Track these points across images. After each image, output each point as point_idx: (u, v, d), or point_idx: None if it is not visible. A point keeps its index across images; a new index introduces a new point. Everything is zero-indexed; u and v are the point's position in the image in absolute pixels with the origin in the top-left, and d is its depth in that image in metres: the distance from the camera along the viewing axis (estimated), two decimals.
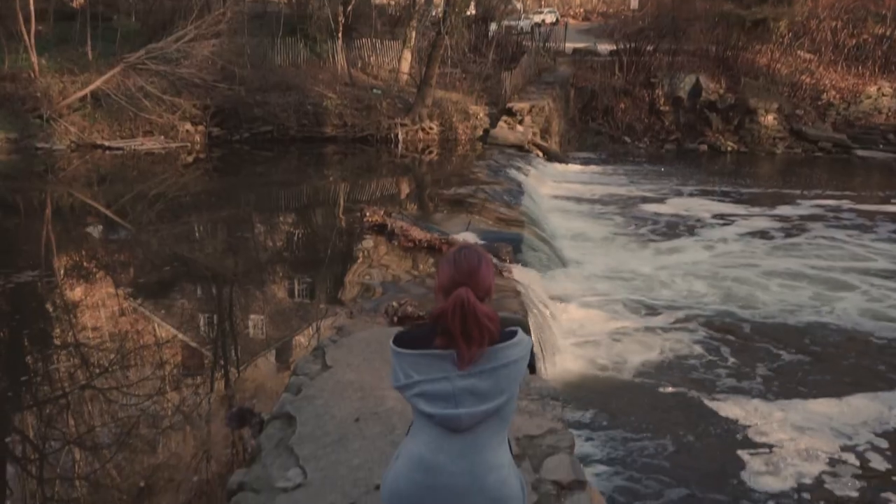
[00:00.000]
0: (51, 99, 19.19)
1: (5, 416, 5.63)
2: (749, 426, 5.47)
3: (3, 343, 7.09)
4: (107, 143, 18.99)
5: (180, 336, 7.23)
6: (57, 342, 7.11)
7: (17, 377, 6.27)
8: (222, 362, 6.84)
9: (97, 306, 8.08)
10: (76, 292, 8.55)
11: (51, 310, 8.08)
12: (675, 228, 12.29)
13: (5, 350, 6.91)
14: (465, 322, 2.19)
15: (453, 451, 2.21)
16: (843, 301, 8.65)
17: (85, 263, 9.84)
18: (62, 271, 9.36)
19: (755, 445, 5.18)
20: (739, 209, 14.11)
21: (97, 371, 6.42)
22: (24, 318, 7.71)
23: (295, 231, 12.07)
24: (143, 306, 8.04)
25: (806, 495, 4.60)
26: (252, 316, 8.03)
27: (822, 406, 5.83)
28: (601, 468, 4.75)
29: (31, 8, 20.26)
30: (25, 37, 19.97)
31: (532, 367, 4.43)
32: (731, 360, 6.80)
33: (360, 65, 24.54)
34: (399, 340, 2.30)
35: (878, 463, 5.01)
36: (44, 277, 9.00)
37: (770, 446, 5.17)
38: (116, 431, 5.33)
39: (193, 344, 7.10)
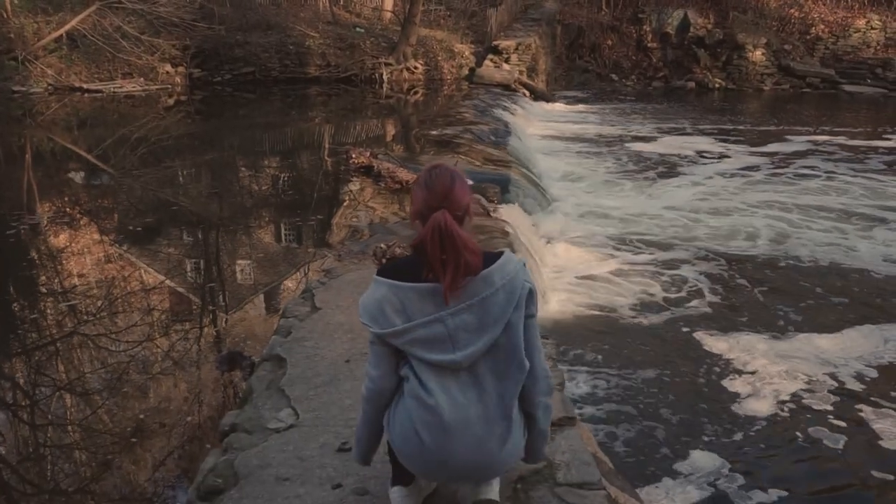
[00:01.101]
0: (25, 40, 18.71)
1: None
2: (739, 360, 5.53)
3: None
4: (85, 86, 18.61)
5: (167, 282, 7.19)
6: (43, 289, 7.06)
7: (4, 324, 6.23)
8: (211, 307, 6.82)
9: (82, 253, 8.01)
10: (60, 239, 8.46)
11: (35, 257, 8.00)
12: (664, 166, 12.26)
13: None
14: (444, 248, 2.10)
15: (459, 396, 2.15)
16: (835, 234, 8.70)
17: (68, 209, 9.72)
18: (45, 218, 9.25)
19: (745, 378, 5.24)
20: (728, 147, 14.09)
21: (85, 318, 6.39)
22: (8, 265, 7.63)
23: (280, 174, 11.94)
24: (128, 252, 7.97)
25: (792, 420, 4.68)
26: (239, 260, 7.99)
27: (814, 339, 5.89)
28: (591, 404, 4.81)
29: None
30: None
31: None
32: (722, 295, 6.86)
33: (342, 2, 24.02)
34: (385, 272, 2.22)
35: (865, 390, 5.09)
36: (26, 224, 8.89)
37: (760, 378, 5.24)
38: (106, 377, 5.33)
39: (181, 289, 7.07)
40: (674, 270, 7.41)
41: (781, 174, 11.88)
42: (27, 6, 19.97)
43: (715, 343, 5.82)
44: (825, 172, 12.01)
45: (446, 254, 2.11)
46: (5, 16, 19.28)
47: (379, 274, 2.22)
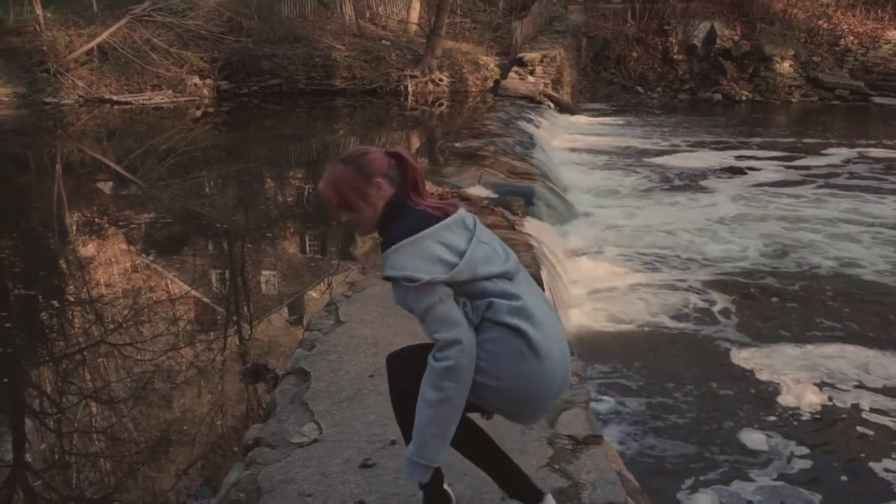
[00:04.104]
0: (57, 53, 19.05)
1: (22, 371, 5.69)
2: (768, 375, 5.44)
3: (17, 299, 7.13)
4: (115, 98, 18.89)
5: (194, 292, 7.25)
6: (71, 298, 7.15)
7: (33, 333, 6.31)
8: (236, 318, 6.86)
9: (110, 262, 8.10)
10: (89, 248, 8.57)
11: (64, 266, 8.11)
12: (691, 180, 12.15)
13: (20, 306, 6.95)
14: (419, 185, 2.28)
15: (530, 296, 2.22)
16: (866, 251, 8.55)
17: (97, 219, 9.85)
18: (74, 227, 9.38)
19: (774, 394, 5.16)
20: (756, 160, 13.93)
21: (112, 327, 6.45)
22: (37, 274, 7.74)
23: (305, 186, 12.01)
24: (155, 262, 8.05)
25: (823, 437, 4.60)
26: (264, 271, 8.04)
27: (846, 353, 5.79)
28: (617, 422, 4.76)
29: None
30: None
31: None
32: (751, 309, 6.76)
33: (368, 15, 24.17)
34: (408, 231, 2.15)
35: None
36: (56, 233, 9.02)
37: (790, 393, 5.15)
38: (132, 387, 5.38)
39: (207, 299, 7.12)
40: (700, 284, 7.33)
41: (812, 188, 11.71)
42: (60, 19, 20.34)
43: (743, 358, 5.74)
44: (858, 186, 11.82)
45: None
46: (38, 29, 19.66)
47: (401, 239, 2.13)
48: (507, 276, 2.20)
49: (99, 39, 19.25)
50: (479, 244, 2.18)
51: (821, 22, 24.26)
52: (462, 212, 2.26)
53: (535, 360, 2.13)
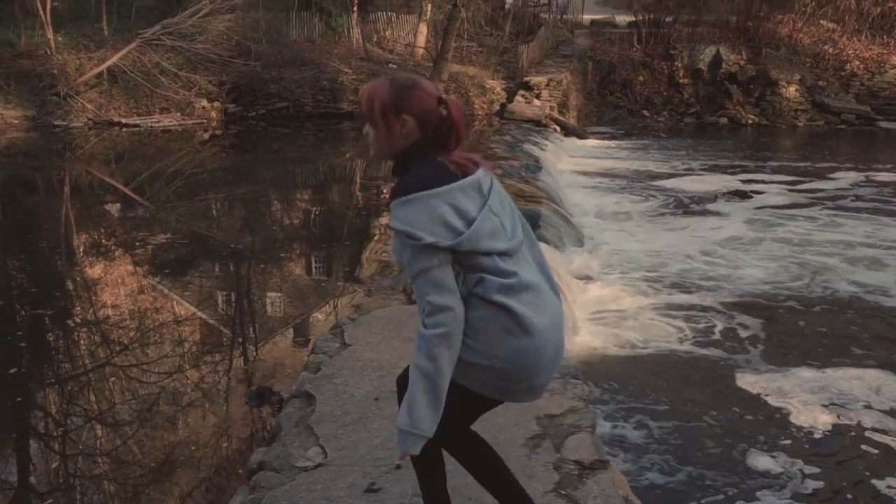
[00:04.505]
0: (67, 76, 19.21)
1: (27, 392, 5.68)
2: (775, 401, 5.40)
3: (24, 320, 7.14)
4: (123, 120, 19.02)
5: (199, 313, 7.25)
6: (77, 319, 7.16)
7: (39, 354, 6.31)
8: (241, 340, 6.85)
9: (116, 283, 8.12)
10: (96, 270, 8.59)
11: (71, 287, 8.12)
12: (697, 204, 12.15)
13: (27, 327, 6.96)
14: (459, 133, 2.19)
15: (529, 275, 2.19)
16: (875, 276, 8.50)
17: (104, 241, 9.88)
18: (82, 249, 9.41)
19: (781, 420, 5.12)
20: (764, 184, 13.92)
21: (117, 348, 6.45)
22: (44, 294, 7.75)
23: (312, 208, 12.05)
24: (161, 283, 8.06)
25: (833, 466, 4.54)
26: (270, 293, 8.04)
27: (855, 380, 5.74)
28: (623, 447, 4.72)
29: None
30: (41, 13, 19.96)
31: None
32: (757, 334, 6.72)
33: (375, 39, 24.36)
34: (419, 185, 2.07)
35: None
36: (64, 255, 9.05)
37: (796, 419, 5.11)
38: (137, 408, 5.36)
39: (212, 321, 7.12)
40: (708, 309, 7.30)
41: (821, 210, 11.69)
42: (70, 43, 20.54)
43: (753, 382, 5.70)
44: (867, 209, 11.81)
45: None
46: (49, 52, 19.85)
47: (410, 192, 2.07)
48: (506, 254, 2.15)
49: (109, 63, 19.43)
50: (489, 215, 2.13)
51: (826, 47, 24.35)
52: (481, 173, 2.18)
53: (525, 337, 2.10)
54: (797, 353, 6.30)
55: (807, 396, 5.44)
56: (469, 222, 2.07)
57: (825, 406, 5.29)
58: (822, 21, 25.49)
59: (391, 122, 2.16)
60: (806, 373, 5.87)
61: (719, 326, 6.88)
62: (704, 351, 6.35)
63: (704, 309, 7.30)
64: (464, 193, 2.10)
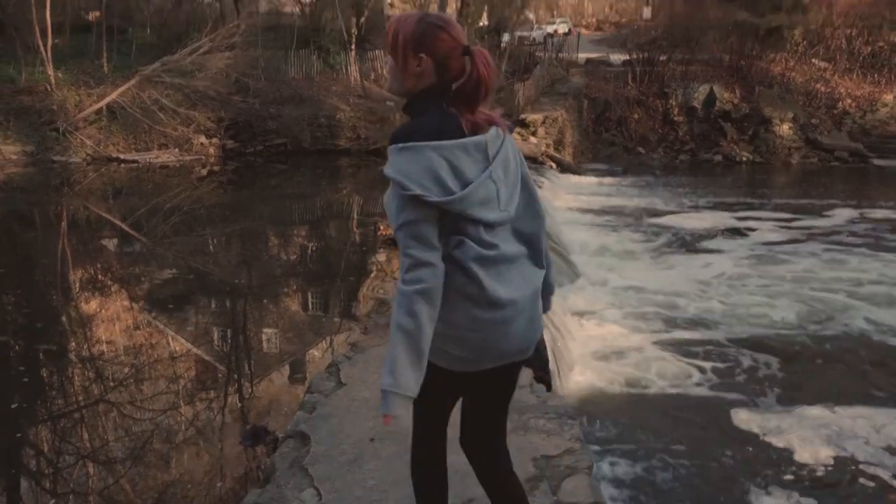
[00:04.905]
0: (67, 112, 19.34)
1: (20, 429, 5.63)
2: (773, 440, 5.38)
3: (18, 356, 7.10)
4: (122, 156, 19.10)
5: (194, 350, 7.22)
6: (72, 355, 7.12)
7: (32, 390, 6.27)
8: (236, 377, 6.82)
9: (112, 319, 8.09)
10: (91, 305, 8.56)
11: (66, 322, 8.09)
12: (694, 241, 12.19)
13: (21, 363, 6.92)
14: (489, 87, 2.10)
15: (514, 248, 2.14)
16: (867, 313, 8.50)
17: (100, 276, 9.86)
18: (78, 284, 9.39)
19: (780, 460, 5.08)
20: (759, 221, 13.99)
21: (111, 385, 6.41)
22: (39, 331, 7.72)
23: (309, 244, 12.06)
24: (157, 319, 8.04)
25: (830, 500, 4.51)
26: (266, 330, 8.01)
27: (851, 418, 5.72)
28: (621, 487, 4.68)
29: (48, 21, 20.46)
30: (42, 50, 20.17)
31: (548, 385, 4.37)
32: (754, 372, 6.71)
33: (373, 77, 24.60)
34: (418, 135, 2.00)
35: None
36: (60, 290, 9.02)
37: (793, 459, 5.08)
38: (130, 447, 5.31)
39: (207, 358, 7.09)
40: (703, 347, 7.29)
41: (816, 249, 11.72)
42: (71, 79, 20.72)
43: (750, 420, 5.69)
44: (867, 247, 11.83)
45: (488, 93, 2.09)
46: (49, 89, 20.00)
47: (408, 140, 2.00)
48: (495, 224, 2.08)
49: (108, 99, 19.58)
50: (487, 181, 2.04)
51: (818, 85, 24.66)
52: (492, 134, 2.10)
53: (488, 309, 2.06)
54: (800, 391, 6.28)
55: (807, 434, 5.42)
56: (464, 184, 2.00)
57: (826, 444, 5.26)
58: (813, 60, 25.85)
59: (409, 57, 2.09)
60: (808, 411, 5.85)
61: (720, 364, 6.86)
62: (705, 389, 6.33)
63: (704, 346, 7.29)
64: (465, 152, 2.02)
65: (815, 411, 5.84)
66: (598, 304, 8.46)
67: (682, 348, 7.22)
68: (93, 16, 25.59)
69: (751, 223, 13.75)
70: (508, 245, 2.12)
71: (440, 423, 2.31)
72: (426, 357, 2.01)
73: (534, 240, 2.20)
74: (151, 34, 25.20)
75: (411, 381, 1.99)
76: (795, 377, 6.66)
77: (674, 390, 6.27)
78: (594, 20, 49.06)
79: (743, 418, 5.73)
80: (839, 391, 6.30)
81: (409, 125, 2.05)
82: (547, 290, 2.35)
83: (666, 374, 6.60)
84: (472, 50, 2.08)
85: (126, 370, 6.72)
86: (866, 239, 12.43)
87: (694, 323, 8.03)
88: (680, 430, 5.52)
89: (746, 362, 6.93)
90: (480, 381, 2.20)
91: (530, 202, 2.21)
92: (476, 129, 2.07)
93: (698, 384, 6.41)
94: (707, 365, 6.84)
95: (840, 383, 6.48)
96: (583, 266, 9.98)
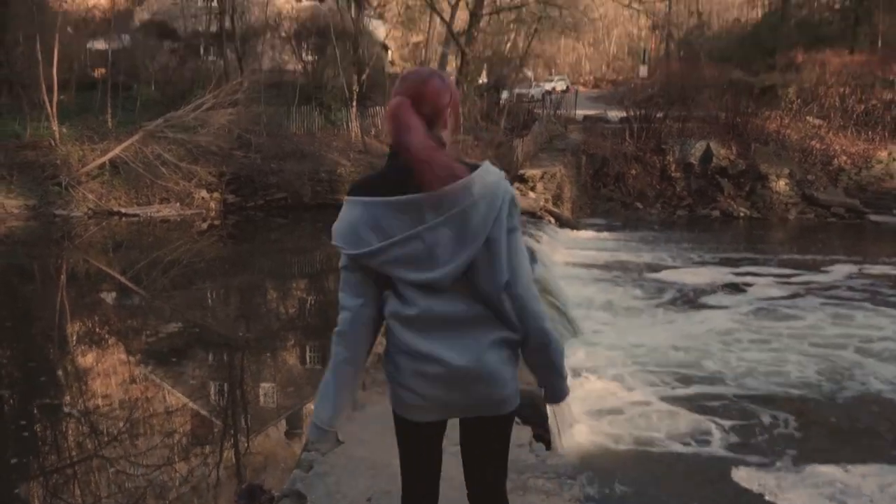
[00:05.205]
0: (70, 166, 19.55)
1: (13, 484, 5.56)
2: (775, 498, 5.30)
3: (14, 409, 7.04)
4: (123, 210, 19.24)
5: (191, 404, 7.17)
6: (67, 409, 7.07)
7: (29, 444, 6.21)
8: (232, 432, 6.76)
9: (109, 373, 8.05)
10: (88, 359, 8.53)
11: (63, 377, 8.05)
12: (693, 296, 12.18)
13: (16, 417, 6.86)
14: (399, 136, 2.03)
15: (443, 326, 2.06)
16: (871, 372, 8.45)
17: (98, 330, 9.84)
18: (75, 338, 9.37)
19: None
20: (758, 277, 13.99)
21: (106, 440, 6.35)
22: (36, 384, 7.68)
23: (308, 298, 12.06)
24: (154, 373, 8.00)
25: None
26: (263, 384, 7.97)
27: (856, 477, 5.65)
28: None
29: (55, 78, 20.83)
30: (48, 106, 20.49)
31: (547, 443, 4.33)
32: (755, 430, 6.64)
33: (373, 132, 24.93)
34: (356, 190, 2.09)
35: None
36: (57, 344, 8.99)
37: None
38: (124, 503, 5.24)
39: (204, 412, 7.04)
40: (704, 403, 7.23)
41: (815, 305, 11.70)
42: (75, 134, 20.98)
43: (752, 479, 5.61)
44: (862, 302, 11.83)
45: (402, 143, 2.05)
46: (53, 144, 20.25)
47: (350, 193, 2.08)
48: (423, 286, 2.03)
49: (112, 154, 19.80)
50: (414, 241, 2.00)
51: (813, 142, 24.97)
52: (449, 191, 2.00)
53: (416, 361, 2.07)
54: (808, 449, 6.22)
55: (809, 493, 5.34)
56: (384, 238, 2.02)
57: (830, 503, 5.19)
58: (808, 117, 26.22)
59: (392, 94, 2.18)
60: (811, 469, 5.78)
61: (722, 422, 6.80)
62: (706, 447, 6.26)
63: (710, 402, 7.23)
64: (393, 210, 2.01)
65: (824, 469, 5.77)
66: (596, 360, 8.42)
67: (687, 404, 7.16)
68: (99, 73, 26.04)
69: (754, 279, 13.73)
70: (452, 305, 2.05)
71: (416, 474, 2.30)
72: (342, 395, 2.18)
73: (492, 299, 2.07)
74: (156, 91, 25.62)
75: (323, 413, 2.19)
76: (803, 433, 6.60)
77: (677, 448, 6.21)
78: (591, 78, 49.99)
79: (743, 476, 5.66)
80: (850, 449, 6.23)
81: (360, 179, 2.20)
82: (533, 345, 2.24)
83: (668, 431, 6.53)
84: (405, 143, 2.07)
85: (122, 425, 6.66)
86: (866, 294, 12.42)
87: (696, 379, 7.97)
88: (680, 489, 5.45)
89: (753, 419, 6.86)
90: (440, 433, 2.24)
91: (492, 261, 2.05)
92: (437, 183, 2.01)
93: (704, 442, 6.34)
94: (709, 422, 6.78)
95: (851, 441, 6.42)
96: (580, 320, 9.96)
